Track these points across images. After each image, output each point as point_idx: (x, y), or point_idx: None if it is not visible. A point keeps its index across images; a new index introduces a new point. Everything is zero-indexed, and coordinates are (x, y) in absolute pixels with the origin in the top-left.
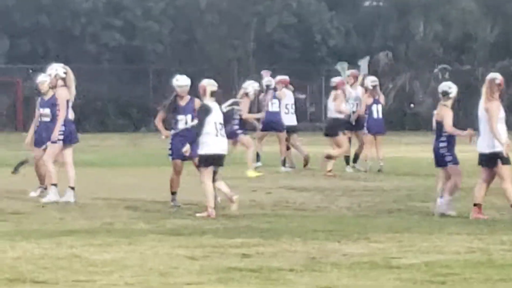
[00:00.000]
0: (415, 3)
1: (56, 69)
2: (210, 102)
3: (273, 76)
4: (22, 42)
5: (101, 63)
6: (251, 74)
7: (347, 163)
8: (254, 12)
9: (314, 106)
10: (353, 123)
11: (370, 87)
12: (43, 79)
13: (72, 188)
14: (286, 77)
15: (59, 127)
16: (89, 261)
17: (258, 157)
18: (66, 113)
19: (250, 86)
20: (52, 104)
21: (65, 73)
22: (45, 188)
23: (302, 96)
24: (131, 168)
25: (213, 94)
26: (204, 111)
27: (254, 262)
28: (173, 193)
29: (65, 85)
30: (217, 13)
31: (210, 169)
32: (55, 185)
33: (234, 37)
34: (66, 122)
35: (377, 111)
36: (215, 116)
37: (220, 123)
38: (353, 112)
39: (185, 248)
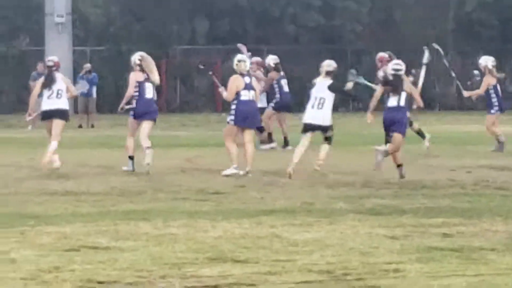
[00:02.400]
0: None
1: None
2: (321, 79)
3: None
4: (221, 24)
5: (299, 44)
6: (449, 54)
7: None
8: None
9: None
10: None
11: None
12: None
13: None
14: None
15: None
16: (290, 240)
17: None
18: (133, 92)
19: None
20: None
21: (140, 60)
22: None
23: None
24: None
25: (328, 73)
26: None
27: (455, 242)
28: None
29: (141, 70)
30: None
31: (307, 135)
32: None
33: (432, 18)
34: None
35: None
36: (317, 91)
37: (322, 98)
38: None
39: (385, 228)
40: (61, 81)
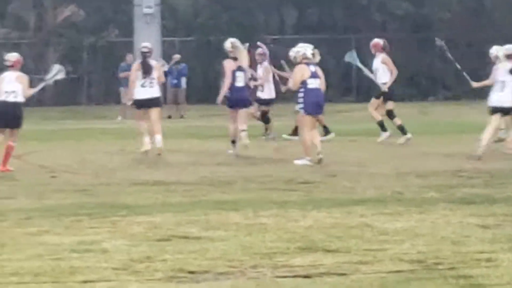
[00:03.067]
0: None
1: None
2: (503, 64)
3: None
4: (310, 13)
5: (387, 32)
6: None
7: None
8: None
9: None
10: None
11: None
12: None
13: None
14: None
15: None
16: (380, 230)
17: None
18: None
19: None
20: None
21: (231, 47)
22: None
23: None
24: (420, 136)
25: (509, 57)
26: None
27: None
28: None
29: (233, 57)
30: None
31: (495, 116)
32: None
33: None
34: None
35: None
36: (499, 75)
37: (503, 81)
38: None
39: (477, 217)
40: (154, 69)
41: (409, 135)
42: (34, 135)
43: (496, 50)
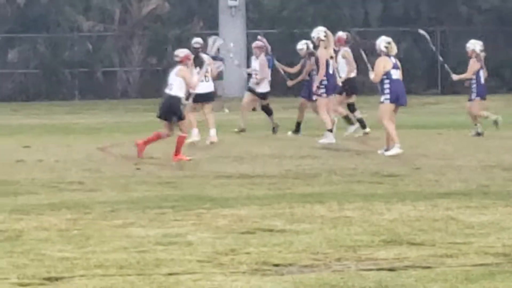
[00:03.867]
0: None
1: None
2: None
3: None
4: (395, 6)
5: (474, 25)
6: None
7: None
8: None
9: None
10: None
11: None
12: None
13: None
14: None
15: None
16: (465, 223)
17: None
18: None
19: None
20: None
21: (325, 36)
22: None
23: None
24: (507, 129)
25: None
26: None
27: None
28: None
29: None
30: None
31: None
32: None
33: None
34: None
35: None
36: None
37: None
38: None
39: None
40: (207, 64)
41: (367, 130)
42: (119, 127)
43: (473, 44)
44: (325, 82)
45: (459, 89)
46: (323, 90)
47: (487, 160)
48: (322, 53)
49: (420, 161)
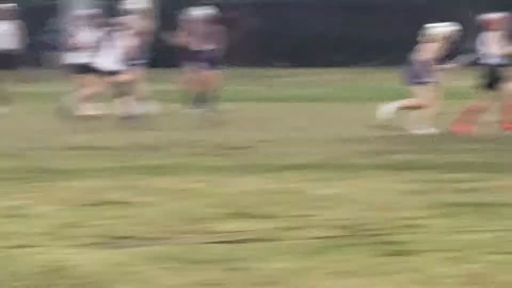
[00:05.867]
0: None
1: None
2: None
3: None
4: None
5: None
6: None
7: None
8: None
9: None
10: None
11: None
12: None
13: None
14: None
15: None
16: (312, 196)
17: None
18: None
19: None
20: None
21: None
22: None
23: None
24: (350, 103)
25: None
26: None
27: (479, 197)
28: None
29: None
30: None
31: None
32: None
33: None
34: None
35: None
36: None
37: None
38: None
39: (407, 183)
40: None
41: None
42: None
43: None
44: None
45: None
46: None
47: (335, 133)
48: None
49: (266, 134)
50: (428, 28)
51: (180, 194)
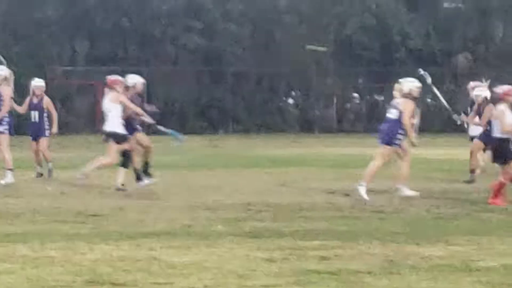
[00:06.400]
0: (495, 4)
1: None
2: None
3: None
4: (102, 44)
5: (180, 65)
6: (329, 76)
7: None
8: (334, 13)
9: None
10: None
11: None
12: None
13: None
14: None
15: None
16: (168, 263)
17: None
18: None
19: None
20: None
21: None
22: None
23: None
24: (210, 170)
25: None
26: None
27: (332, 265)
28: None
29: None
30: (296, 15)
31: None
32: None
33: (313, 39)
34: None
35: None
36: None
37: None
38: None
39: (263, 251)
40: None
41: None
42: None
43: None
44: (7, 119)
45: None
46: (6, 127)
47: (191, 200)
48: (5, 90)
49: (125, 201)
50: None
51: (39, 261)
